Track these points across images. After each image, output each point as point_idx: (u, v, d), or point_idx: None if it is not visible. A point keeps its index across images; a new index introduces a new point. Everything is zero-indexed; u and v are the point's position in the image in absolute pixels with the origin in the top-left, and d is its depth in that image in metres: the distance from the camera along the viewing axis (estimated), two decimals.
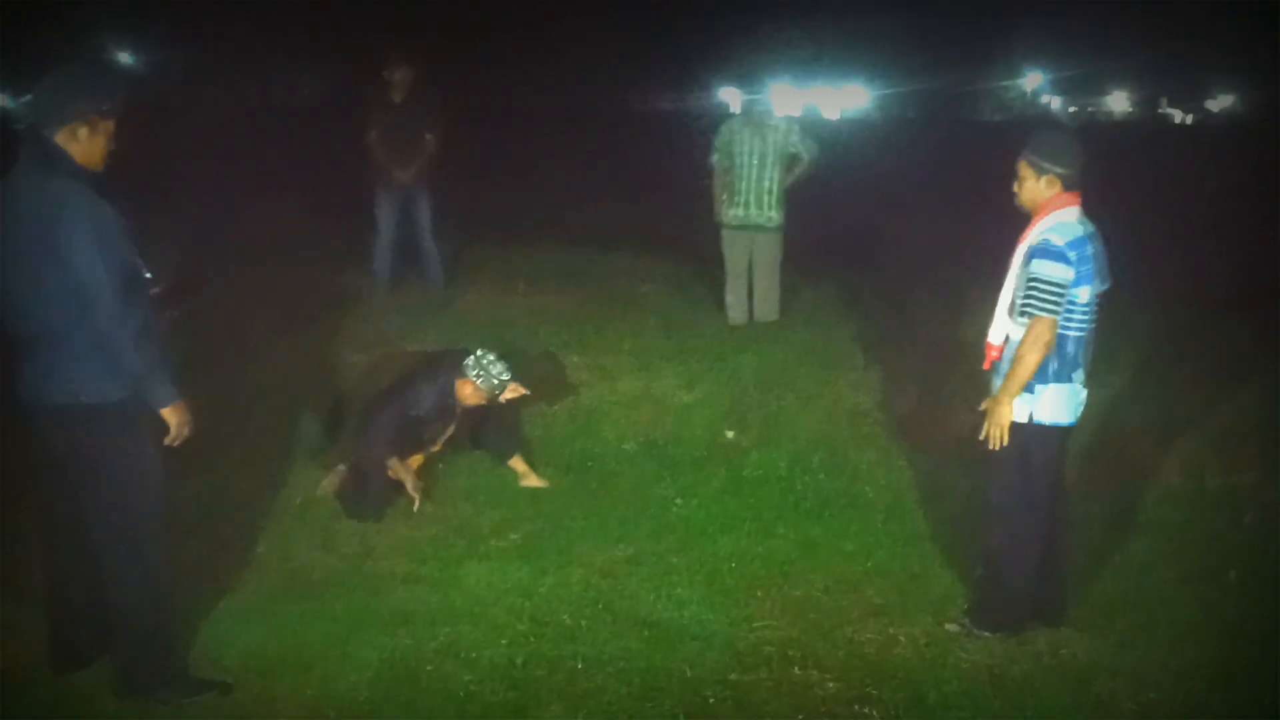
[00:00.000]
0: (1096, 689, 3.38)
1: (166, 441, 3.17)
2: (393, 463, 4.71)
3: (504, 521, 4.64)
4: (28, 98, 3.00)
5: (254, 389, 5.61)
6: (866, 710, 3.24)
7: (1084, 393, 3.57)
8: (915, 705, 3.27)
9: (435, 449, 4.96)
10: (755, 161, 6.75)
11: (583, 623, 3.74)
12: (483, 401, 4.86)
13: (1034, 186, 3.48)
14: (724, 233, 7.00)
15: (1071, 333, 3.45)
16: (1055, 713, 3.26)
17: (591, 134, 18.91)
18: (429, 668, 3.46)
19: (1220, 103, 49.22)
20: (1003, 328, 3.58)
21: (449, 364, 4.91)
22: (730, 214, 6.90)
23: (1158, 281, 7.49)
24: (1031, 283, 3.39)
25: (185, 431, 3.18)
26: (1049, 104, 51.26)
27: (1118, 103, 54.18)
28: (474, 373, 4.78)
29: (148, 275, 3.07)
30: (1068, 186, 3.46)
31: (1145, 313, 6.56)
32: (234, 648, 3.55)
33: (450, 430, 4.93)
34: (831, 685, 3.37)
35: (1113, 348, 6.16)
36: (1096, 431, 4.97)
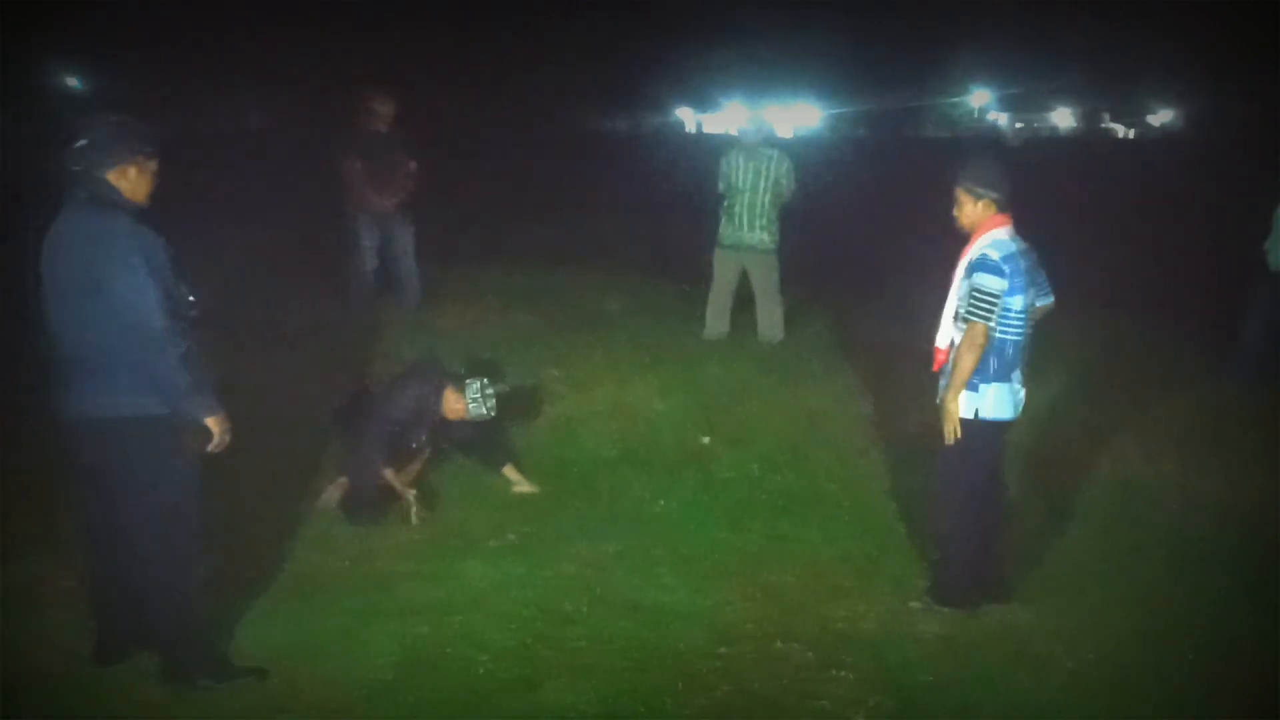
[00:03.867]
0: (1035, 650, 3.82)
1: (209, 449, 3.50)
2: (388, 474, 5.04)
3: (496, 524, 4.99)
4: (82, 142, 3.33)
5: (248, 411, 5.89)
6: (840, 674, 3.65)
7: (1023, 391, 4.01)
8: (881, 668, 3.70)
9: (426, 456, 5.29)
10: (749, 186, 7.19)
11: (580, 609, 4.11)
12: (461, 417, 5.18)
13: (972, 210, 3.94)
14: (717, 251, 7.43)
15: (1009, 337, 3.89)
16: (1000, 670, 3.70)
17: (551, 156, 19.28)
18: (439, 651, 3.81)
19: (1160, 118, 50.60)
20: (948, 334, 4.02)
21: (436, 372, 5.26)
22: (724, 234, 7.34)
23: (1094, 288, 8.05)
24: (972, 293, 3.84)
25: (226, 439, 3.51)
26: (995, 120, 52.41)
27: (1062, 118, 55.55)
28: (471, 393, 5.10)
29: (191, 299, 3.41)
30: (1000, 208, 3.91)
31: (1081, 319, 7.08)
32: (254, 643, 3.86)
33: (429, 432, 5.21)
34: (809, 655, 3.79)
35: (1050, 351, 6.72)
36: (1037, 429, 5.45)
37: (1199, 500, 5.07)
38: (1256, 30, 22.88)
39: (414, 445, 5.20)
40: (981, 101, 50.17)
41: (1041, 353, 5.67)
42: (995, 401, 3.93)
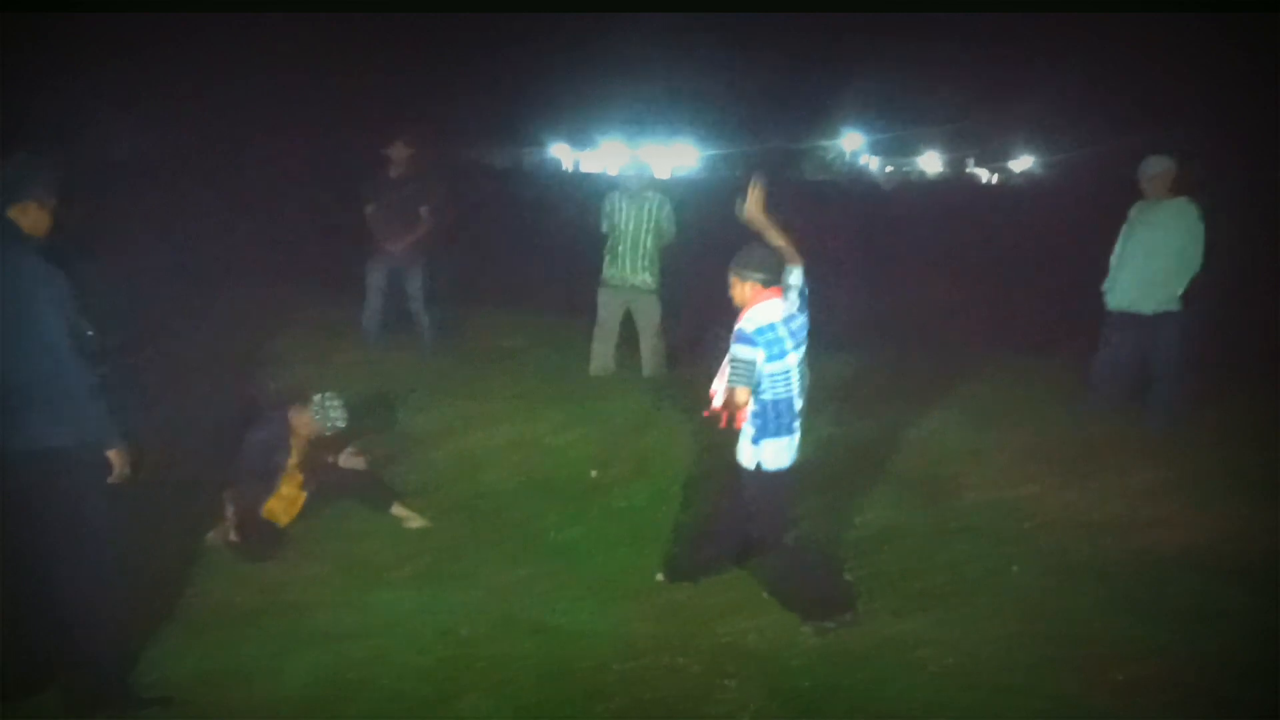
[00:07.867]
0: (912, 657, 4.18)
1: (110, 480, 3.62)
2: (225, 495, 5.18)
3: (401, 556, 5.16)
4: None
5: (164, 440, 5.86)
6: (728, 683, 3.97)
7: (798, 436, 4.43)
8: (766, 677, 4.03)
9: (301, 482, 5.40)
10: (631, 228, 7.49)
11: (486, 631, 4.34)
12: (318, 433, 5.39)
13: (740, 290, 4.39)
14: (601, 289, 7.71)
15: (780, 396, 4.32)
16: (877, 675, 4.05)
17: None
18: (355, 675, 3.98)
19: (1021, 163, 53.17)
20: (720, 391, 4.44)
21: (288, 397, 5.53)
22: (608, 274, 7.63)
23: (960, 328, 8.69)
24: (733, 361, 4.29)
25: (127, 471, 3.64)
26: (867, 164, 54.27)
27: (930, 163, 57.89)
28: (314, 409, 5.36)
29: (89, 333, 3.54)
30: (766, 285, 4.35)
31: (955, 356, 7.64)
32: (175, 670, 3.97)
33: (293, 458, 5.38)
34: (698, 668, 4.09)
35: (934, 384, 7.24)
36: (919, 454, 5.89)
37: (1063, 515, 5.54)
38: (1109, 81, 24.57)
39: (273, 464, 5.31)
40: (854, 146, 51.91)
41: (927, 386, 6.14)
42: (774, 454, 4.37)
